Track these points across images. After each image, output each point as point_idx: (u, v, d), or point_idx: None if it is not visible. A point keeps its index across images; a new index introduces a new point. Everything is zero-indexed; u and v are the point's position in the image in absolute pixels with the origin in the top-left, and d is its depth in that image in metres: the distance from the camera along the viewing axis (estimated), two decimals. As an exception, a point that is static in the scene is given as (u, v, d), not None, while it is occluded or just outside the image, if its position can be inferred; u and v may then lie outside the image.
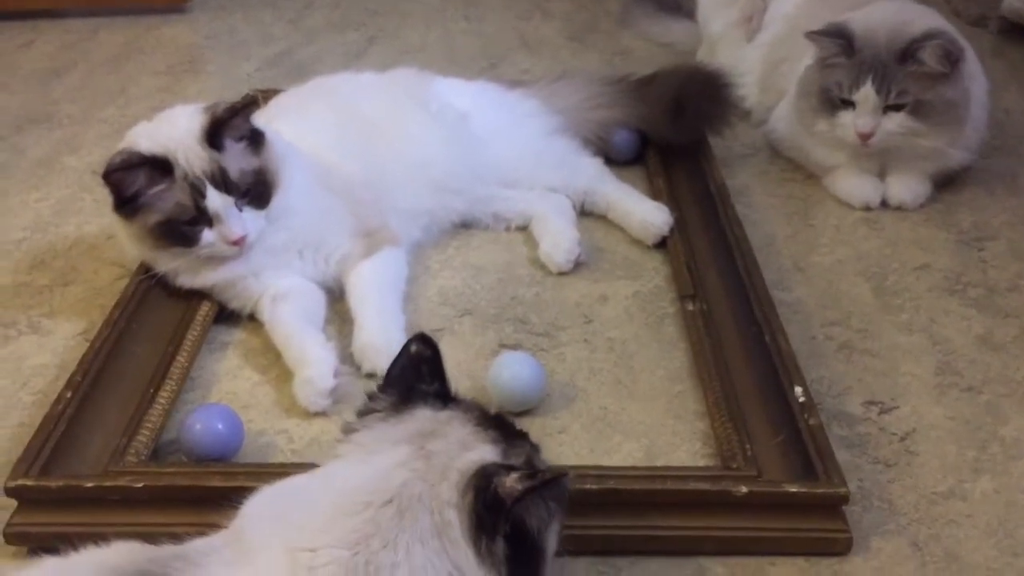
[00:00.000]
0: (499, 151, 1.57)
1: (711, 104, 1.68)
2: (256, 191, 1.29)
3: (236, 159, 1.28)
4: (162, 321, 1.30)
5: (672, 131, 1.69)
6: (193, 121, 1.28)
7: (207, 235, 1.27)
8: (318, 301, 1.36)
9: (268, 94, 1.79)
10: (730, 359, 1.22)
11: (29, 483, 1.00)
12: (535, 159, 1.59)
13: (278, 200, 1.31)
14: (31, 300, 1.43)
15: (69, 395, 1.12)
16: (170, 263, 1.31)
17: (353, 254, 1.38)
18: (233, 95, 2.00)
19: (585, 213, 1.59)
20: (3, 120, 2.00)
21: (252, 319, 1.36)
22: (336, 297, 1.38)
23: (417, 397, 0.88)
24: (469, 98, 1.60)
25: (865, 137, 1.56)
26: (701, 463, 1.12)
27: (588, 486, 1.00)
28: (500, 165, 1.57)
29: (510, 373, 1.18)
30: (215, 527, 0.96)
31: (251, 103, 1.29)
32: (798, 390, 1.12)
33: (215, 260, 1.30)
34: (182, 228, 1.26)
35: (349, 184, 1.42)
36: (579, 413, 1.20)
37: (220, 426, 1.10)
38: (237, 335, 1.35)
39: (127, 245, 1.35)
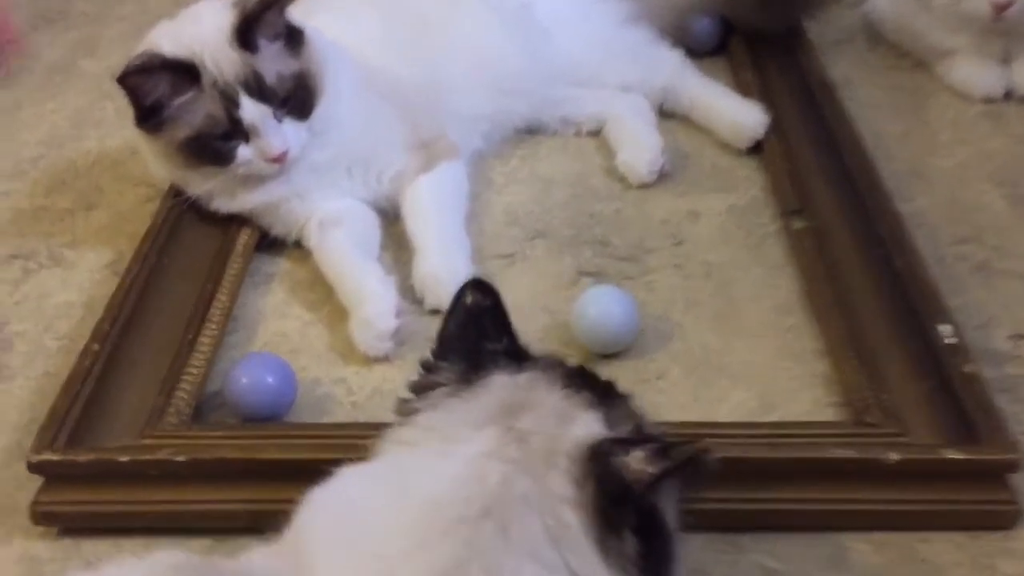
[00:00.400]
0: (565, 43, 1.37)
1: None
2: (297, 99, 1.11)
3: (272, 61, 1.10)
4: (198, 252, 1.15)
5: (761, 17, 1.47)
6: (222, 18, 1.10)
7: (243, 151, 1.10)
8: (372, 225, 1.20)
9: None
10: (851, 286, 1.05)
11: (55, 458, 0.87)
12: (606, 52, 1.39)
13: (322, 109, 1.14)
14: (52, 227, 1.28)
15: (96, 347, 0.97)
16: (203, 185, 1.15)
17: (408, 170, 1.21)
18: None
19: (665, 114, 1.40)
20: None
21: (298, 246, 1.20)
22: (391, 220, 1.22)
23: (487, 360, 0.71)
24: (532, -18, 1.40)
25: (1001, 8, 1.34)
26: (827, 415, 0.96)
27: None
28: (567, 60, 1.37)
29: (598, 310, 1.02)
30: (269, 504, 0.83)
31: None
32: (945, 328, 0.95)
33: (253, 180, 1.14)
34: (214, 144, 1.10)
35: (400, 88, 1.24)
36: (677, 354, 1.04)
37: (270, 379, 0.96)
38: (282, 265, 1.20)
39: (153, 164, 1.19)
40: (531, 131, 1.39)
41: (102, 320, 1.01)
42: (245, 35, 1.09)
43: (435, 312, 1.09)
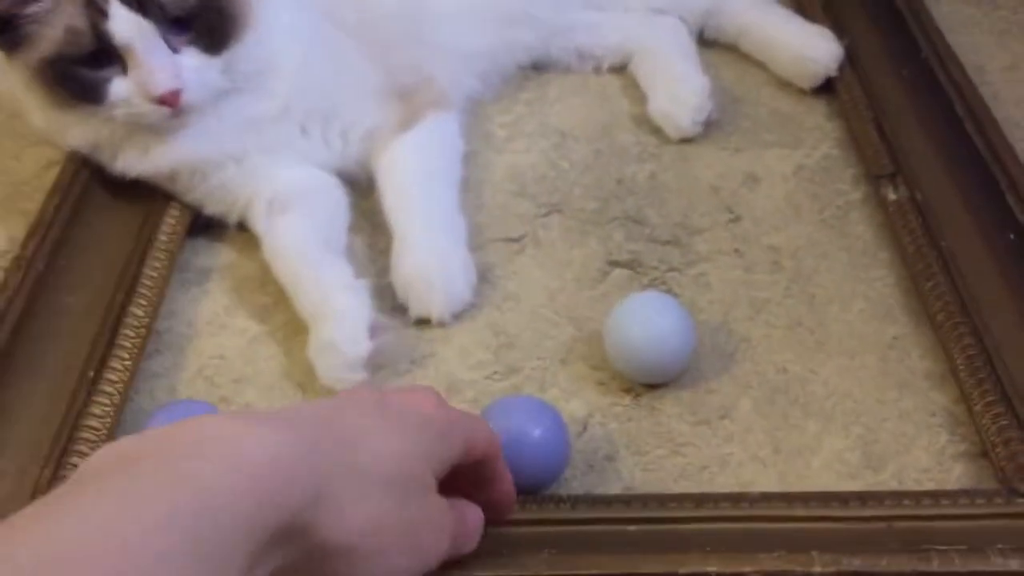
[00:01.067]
0: (580, -48, 1.08)
1: None
2: (202, 21, 0.81)
3: None
4: (108, 242, 0.87)
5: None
6: None
7: (117, 84, 0.81)
8: (338, 203, 0.91)
9: None
10: (974, 281, 0.79)
11: None
12: (632, -37, 1.10)
13: (251, 43, 0.84)
14: (-74, 205, 1.00)
15: (-46, 400, 0.71)
16: (82, 132, 0.86)
17: (383, 126, 0.93)
18: None
19: (706, 43, 1.11)
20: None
21: (242, 229, 0.92)
22: (362, 191, 0.94)
23: None
24: None
25: None
26: (957, 475, 0.70)
27: (815, 569, 0.59)
28: (583, -26, 1.08)
29: (641, 330, 0.76)
30: None
31: None
32: None
33: (158, 133, 0.85)
34: (79, 71, 0.80)
35: (369, 17, 0.95)
36: (746, 381, 0.78)
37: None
38: (222, 256, 0.92)
39: (21, 103, 0.88)
40: (538, 68, 1.10)
41: (-33, 352, 0.74)
42: None
43: (422, 322, 0.83)
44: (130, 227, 0.89)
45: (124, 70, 0.80)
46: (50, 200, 0.89)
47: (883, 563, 0.60)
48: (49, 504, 0.41)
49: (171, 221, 0.91)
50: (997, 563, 0.59)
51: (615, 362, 0.77)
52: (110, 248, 0.87)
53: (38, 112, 0.87)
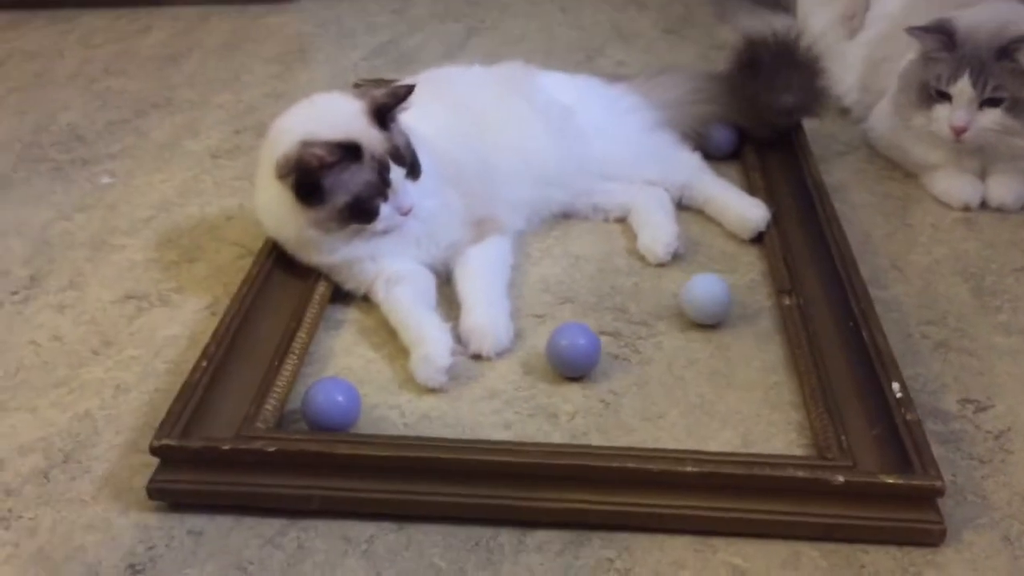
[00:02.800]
0: (601, 145, 1.62)
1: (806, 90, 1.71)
2: (414, 162, 1.37)
3: (398, 136, 1.36)
4: (284, 299, 1.38)
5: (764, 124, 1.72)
6: (355, 105, 1.36)
7: (384, 208, 1.34)
8: (430, 283, 1.42)
9: (376, 83, 1.88)
10: (826, 352, 1.25)
11: (172, 443, 1.09)
12: (636, 154, 1.64)
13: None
14: (160, 275, 1.53)
15: (204, 364, 1.21)
16: (328, 245, 1.37)
17: (462, 241, 1.44)
18: (342, 84, 2.10)
19: (683, 207, 1.63)
20: (127, 104, 2.12)
21: (364, 300, 1.43)
22: (441, 281, 1.44)
23: None
24: (573, 93, 1.65)
25: (959, 131, 1.58)
26: (797, 452, 1.16)
27: (688, 468, 1.05)
28: (602, 159, 1.62)
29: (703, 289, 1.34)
30: (336, 492, 1.06)
31: (409, 90, 1.37)
32: (895, 385, 1.15)
33: (347, 239, 1.37)
34: (367, 204, 1.33)
35: (462, 173, 1.48)
36: (677, 400, 1.24)
37: (340, 398, 1.18)
38: (351, 314, 1.43)
39: (289, 231, 1.38)
40: (566, 216, 1.63)
41: (208, 344, 1.25)
42: (384, 118, 1.35)
43: (477, 357, 1.31)
44: (296, 292, 1.40)
45: (386, 199, 1.33)
46: (251, 270, 1.41)
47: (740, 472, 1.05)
48: None
49: (321, 290, 1.42)
50: (794, 473, 1.04)
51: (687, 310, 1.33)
52: (284, 302, 1.38)
53: (309, 233, 1.36)
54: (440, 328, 1.31)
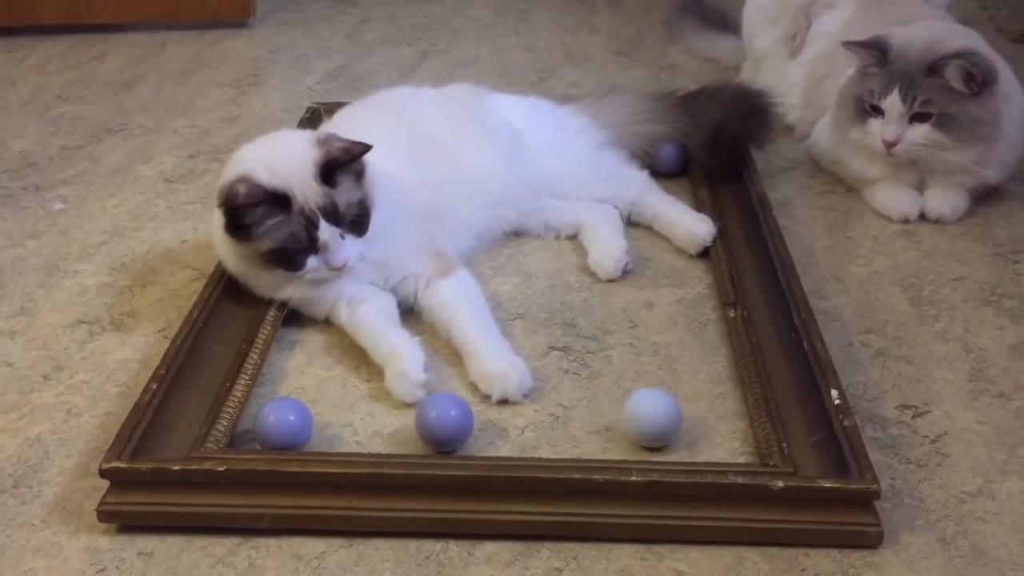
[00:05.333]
0: (551, 165, 1.65)
1: (755, 132, 1.75)
2: (358, 221, 1.36)
3: (345, 193, 1.34)
4: (236, 320, 1.39)
5: (710, 159, 1.75)
6: (308, 154, 1.34)
7: (312, 261, 1.34)
8: (391, 301, 1.43)
9: (329, 107, 1.90)
10: (769, 363, 1.28)
11: (121, 465, 1.09)
12: (585, 172, 1.67)
13: (372, 225, 1.37)
14: (113, 299, 1.53)
15: (155, 387, 1.21)
16: (265, 282, 1.39)
17: (423, 273, 1.42)
18: (296, 108, 2.13)
19: (631, 223, 1.67)
20: (80, 130, 2.12)
21: (319, 322, 1.44)
22: (404, 308, 1.44)
23: None
24: (522, 114, 1.68)
25: (889, 145, 1.63)
26: (741, 460, 1.18)
27: (633, 478, 1.07)
28: (552, 178, 1.65)
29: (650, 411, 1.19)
30: (288, 510, 1.07)
31: (365, 149, 1.35)
32: (834, 393, 1.18)
33: (280, 281, 1.38)
34: (291, 256, 1.33)
35: (416, 202, 1.48)
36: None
37: (292, 417, 1.19)
38: (304, 335, 1.44)
39: (228, 259, 1.41)
40: (518, 234, 1.65)
41: (159, 366, 1.25)
42: (330, 175, 1.33)
43: (504, 402, 1.28)
44: (249, 314, 1.41)
45: (316, 252, 1.33)
46: (202, 294, 1.42)
47: (684, 480, 1.07)
48: None
49: (273, 312, 1.42)
50: (735, 479, 1.07)
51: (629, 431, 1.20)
52: (237, 325, 1.39)
53: (238, 266, 1.39)
54: (411, 343, 1.32)
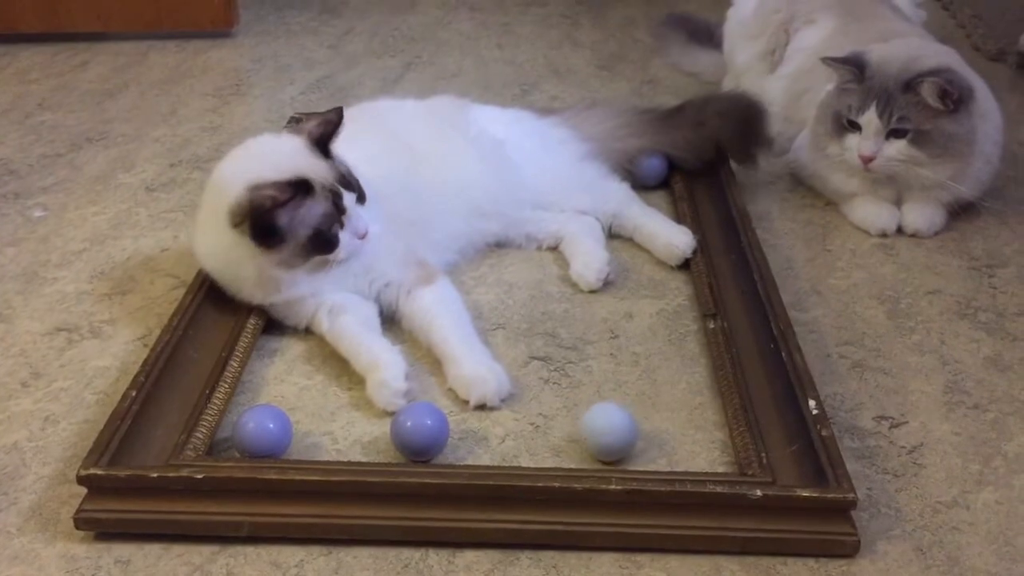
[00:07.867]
0: (533, 176, 1.66)
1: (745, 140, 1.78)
2: (360, 189, 1.37)
3: (341, 164, 1.38)
4: (216, 328, 1.39)
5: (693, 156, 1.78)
6: (294, 140, 1.38)
7: (343, 236, 1.34)
8: (372, 311, 1.43)
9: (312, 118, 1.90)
10: (748, 374, 1.29)
11: (99, 472, 1.09)
12: (566, 184, 1.67)
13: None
14: (92, 307, 1.53)
15: (134, 394, 1.21)
16: (298, 281, 1.37)
17: (405, 281, 1.43)
18: (279, 118, 2.13)
19: (612, 235, 1.67)
20: (62, 138, 2.11)
21: (298, 330, 1.44)
22: (385, 319, 1.44)
23: None
24: (505, 125, 1.69)
25: (866, 160, 1.65)
26: (720, 469, 1.19)
27: (612, 487, 1.08)
28: (533, 189, 1.65)
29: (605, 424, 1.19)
30: (266, 518, 1.06)
31: (339, 114, 1.39)
32: (812, 403, 1.19)
33: (310, 273, 1.36)
34: (328, 236, 1.33)
35: (397, 208, 1.48)
36: (605, 422, 1.27)
37: (271, 425, 1.19)
38: (284, 343, 1.44)
39: (254, 276, 1.36)
40: (500, 245, 1.66)
41: (138, 373, 1.25)
42: (324, 148, 1.36)
43: (481, 407, 1.28)
44: (229, 322, 1.41)
45: (343, 226, 1.33)
46: (182, 301, 1.42)
47: (663, 489, 1.08)
48: None
49: (253, 321, 1.42)
50: (713, 488, 1.07)
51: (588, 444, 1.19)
52: (217, 333, 1.38)
53: (271, 273, 1.35)
54: (392, 352, 1.32)
